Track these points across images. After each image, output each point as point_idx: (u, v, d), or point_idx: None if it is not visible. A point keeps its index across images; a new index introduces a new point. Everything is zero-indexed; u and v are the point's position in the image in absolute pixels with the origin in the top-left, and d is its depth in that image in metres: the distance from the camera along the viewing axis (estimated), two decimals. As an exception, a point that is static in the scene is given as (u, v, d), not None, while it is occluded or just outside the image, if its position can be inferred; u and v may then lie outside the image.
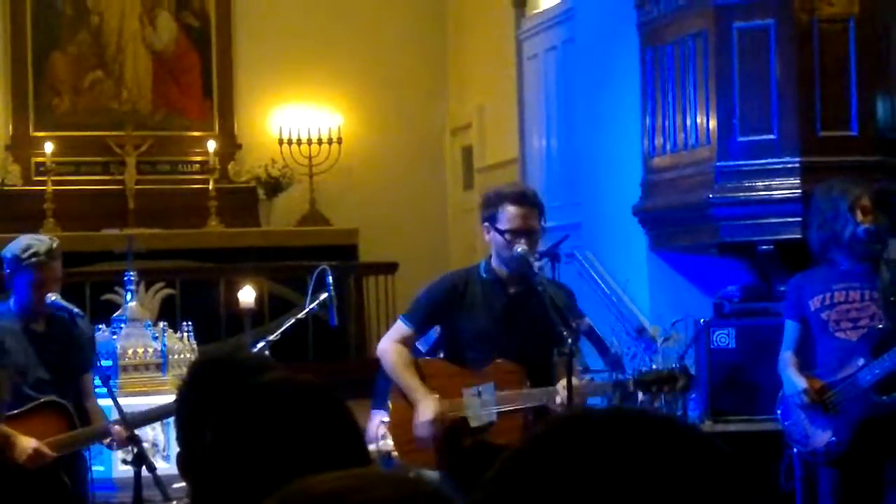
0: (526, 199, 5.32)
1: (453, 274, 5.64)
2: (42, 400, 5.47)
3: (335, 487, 1.20)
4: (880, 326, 5.55)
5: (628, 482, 1.07)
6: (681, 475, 1.08)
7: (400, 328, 5.50)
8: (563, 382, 5.10)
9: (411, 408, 5.36)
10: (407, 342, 5.46)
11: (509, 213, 5.25)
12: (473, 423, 5.28)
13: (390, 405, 5.53)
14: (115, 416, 5.42)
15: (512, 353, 5.30)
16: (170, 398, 5.85)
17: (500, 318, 5.34)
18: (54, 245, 5.62)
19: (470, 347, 5.36)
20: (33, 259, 5.49)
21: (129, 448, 5.32)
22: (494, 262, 5.38)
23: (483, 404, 5.26)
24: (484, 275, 5.39)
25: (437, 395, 5.32)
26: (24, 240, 5.63)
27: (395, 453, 5.57)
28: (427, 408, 5.29)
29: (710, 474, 1.10)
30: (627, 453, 1.08)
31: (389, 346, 5.45)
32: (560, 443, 1.10)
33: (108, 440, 5.57)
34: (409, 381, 5.36)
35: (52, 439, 5.36)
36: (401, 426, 5.43)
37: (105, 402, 5.64)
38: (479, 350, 5.33)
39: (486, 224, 5.33)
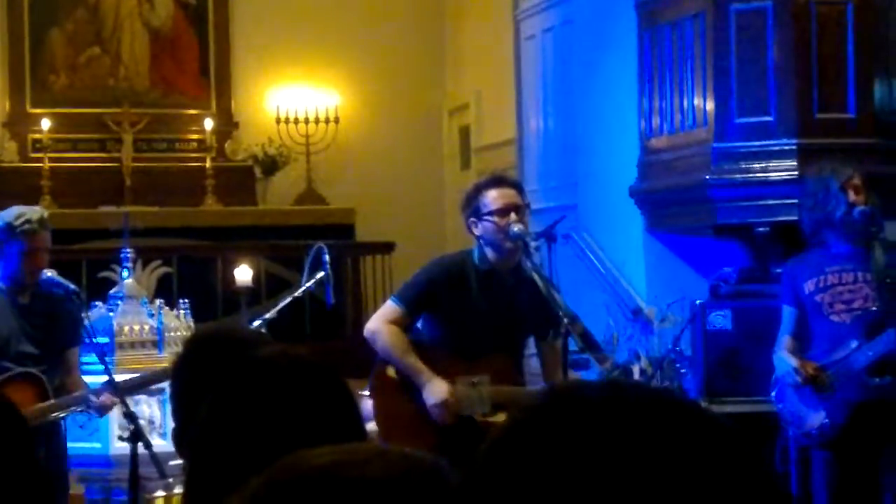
0: (503, 180, 5.46)
1: (448, 259, 5.58)
2: (15, 371, 5.42)
3: (330, 461, 1.19)
4: (874, 308, 5.55)
5: (627, 457, 1.05)
6: (682, 449, 1.07)
7: (392, 309, 5.37)
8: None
9: (400, 390, 5.30)
10: (399, 323, 5.32)
11: (491, 197, 5.29)
12: (465, 413, 5.24)
13: (377, 386, 5.42)
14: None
15: (503, 345, 5.30)
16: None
17: (495, 310, 5.30)
18: (45, 215, 5.59)
19: (461, 336, 5.30)
20: (26, 226, 5.44)
21: (127, 425, 5.31)
22: (489, 253, 5.33)
23: (478, 396, 5.23)
24: (478, 263, 5.34)
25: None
26: (15, 209, 5.57)
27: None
28: (437, 389, 5.21)
29: (714, 449, 1.08)
30: (626, 426, 1.06)
31: (382, 327, 5.32)
32: (557, 415, 1.09)
33: (92, 406, 5.54)
34: (411, 362, 5.26)
35: (27, 409, 5.31)
36: (387, 410, 5.35)
37: (101, 379, 5.64)
38: (470, 339, 5.28)
39: (472, 219, 5.32)
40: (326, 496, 1.16)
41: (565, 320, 4.94)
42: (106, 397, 5.50)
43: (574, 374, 5.35)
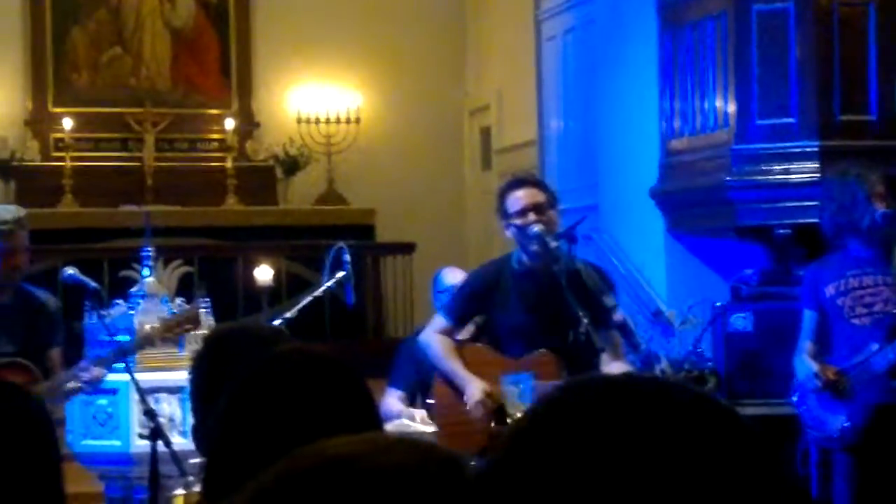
0: (525, 181, 5.63)
1: (488, 266, 5.83)
2: (3, 361, 5.40)
3: (347, 451, 1.19)
4: (894, 311, 5.54)
5: (639, 451, 1.05)
6: (695, 441, 1.06)
7: (439, 321, 5.67)
8: (613, 368, 5.14)
9: (455, 395, 5.48)
10: (447, 334, 5.61)
11: (513, 198, 5.43)
12: (510, 411, 5.34)
13: (436, 392, 5.68)
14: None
15: (547, 344, 5.37)
16: (181, 371, 5.87)
17: (533, 311, 5.42)
18: (21, 214, 5.60)
19: (505, 339, 5.49)
20: (1, 226, 5.45)
21: (147, 423, 5.33)
22: (523, 255, 5.48)
23: (521, 393, 5.32)
24: (516, 266, 5.48)
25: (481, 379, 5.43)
26: None
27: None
28: (475, 389, 5.40)
29: (747, 454, 1.08)
30: (640, 419, 1.06)
31: (431, 337, 5.62)
32: (570, 409, 1.09)
33: (83, 380, 5.54)
34: (452, 366, 5.51)
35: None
36: (445, 413, 5.57)
37: (122, 377, 5.66)
38: (514, 342, 5.45)
39: (504, 221, 5.49)
40: (344, 484, 1.16)
41: (584, 320, 5.00)
42: (96, 370, 5.53)
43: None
